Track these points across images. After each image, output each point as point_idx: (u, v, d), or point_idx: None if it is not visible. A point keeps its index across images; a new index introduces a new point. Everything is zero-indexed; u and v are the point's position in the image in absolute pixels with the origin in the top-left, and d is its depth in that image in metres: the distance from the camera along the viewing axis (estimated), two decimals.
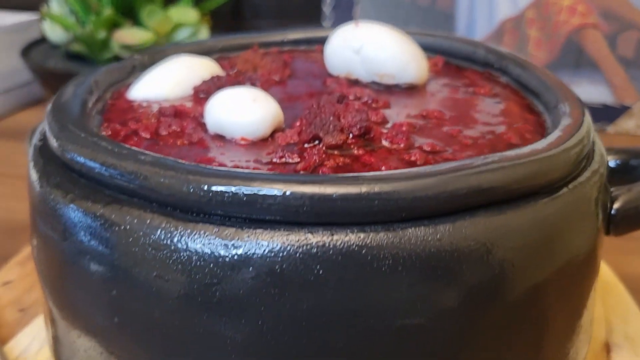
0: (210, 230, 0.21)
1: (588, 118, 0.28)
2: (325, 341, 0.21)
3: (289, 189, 0.20)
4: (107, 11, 0.62)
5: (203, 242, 0.20)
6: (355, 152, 0.25)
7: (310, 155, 0.24)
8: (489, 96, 0.32)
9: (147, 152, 0.23)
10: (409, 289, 0.20)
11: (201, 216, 0.21)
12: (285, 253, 0.20)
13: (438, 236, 0.20)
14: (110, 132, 0.28)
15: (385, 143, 0.26)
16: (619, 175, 0.30)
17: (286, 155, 0.25)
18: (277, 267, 0.20)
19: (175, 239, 0.21)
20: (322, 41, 0.36)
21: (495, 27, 0.67)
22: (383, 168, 0.24)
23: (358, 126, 0.26)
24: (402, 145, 0.26)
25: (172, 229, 0.21)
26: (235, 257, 0.20)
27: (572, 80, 0.66)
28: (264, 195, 0.20)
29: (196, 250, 0.21)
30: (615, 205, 0.27)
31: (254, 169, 0.24)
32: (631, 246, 0.41)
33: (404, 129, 0.27)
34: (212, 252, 0.20)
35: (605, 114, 0.65)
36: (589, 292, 0.27)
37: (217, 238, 0.20)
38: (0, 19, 0.72)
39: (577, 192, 0.24)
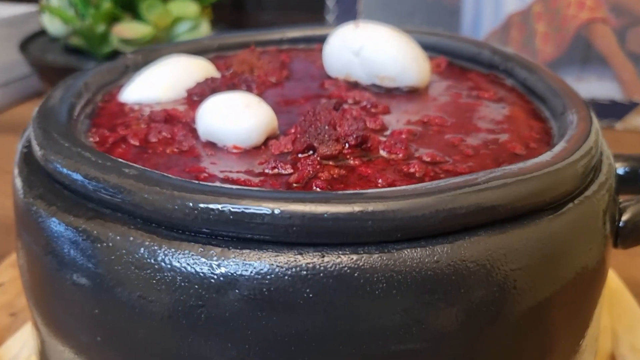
0: (195, 249, 0.20)
1: (596, 126, 0.26)
2: None
3: (278, 207, 0.19)
4: (107, 4, 0.61)
5: (188, 261, 0.19)
6: (352, 162, 0.24)
7: (303, 166, 0.23)
8: (493, 101, 0.31)
9: (132, 164, 0.22)
10: (405, 313, 0.19)
11: (186, 234, 0.20)
12: (273, 275, 0.19)
13: (435, 258, 0.19)
14: (98, 139, 0.27)
15: (383, 153, 0.25)
16: (628, 184, 0.29)
17: (279, 165, 0.24)
18: (264, 289, 0.19)
19: (159, 258, 0.20)
20: (322, 40, 0.35)
21: (502, 21, 0.66)
22: (380, 181, 0.23)
23: (354, 135, 0.25)
24: (400, 156, 0.25)
25: (155, 248, 0.20)
26: (221, 278, 0.19)
27: (580, 75, 0.65)
28: (252, 214, 0.19)
29: (180, 270, 0.20)
30: (624, 217, 0.26)
31: (244, 181, 0.23)
32: (638, 249, 0.40)
33: (403, 136, 0.26)
34: (197, 273, 0.19)
35: (613, 111, 0.64)
36: (595, 307, 0.26)
37: (202, 258, 0.19)
38: None
39: (584, 206, 0.23)
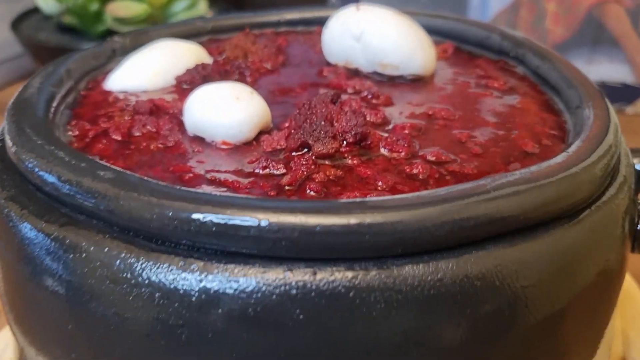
0: (175, 262, 0.18)
1: (615, 120, 0.24)
2: None
3: (266, 218, 0.17)
4: None
5: (167, 276, 0.18)
6: (350, 162, 0.22)
7: (297, 166, 0.22)
8: (503, 91, 0.29)
9: (108, 166, 0.20)
10: (404, 335, 0.17)
11: (166, 246, 0.18)
12: (260, 293, 0.17)
13: (439, 275, 0.17)
14: (77, 133, 0.25)
15: (383, 151, 0.23)
16: None
17: (270, 165, 0.22)
18: (250, 308, 0.17)
19: (136, 272, 0.18)
20: (322, 22, 0.33)
21: (511, 0, 0.63)
22: (380, 183, 0.21)
23: (353, 132, 0.23)
24: (402, 154, 0.23)
25: (132, 260, 0.18)
26: (204, 295, 0.17)
27: (591, 57, 0.63)
28: (237, 226, 0.17)
29: (159, 286, 0.18)
30: None
31: (232, 182, 0.21)
32: None
33: (406, 132, 0.24)
34: (177, 289, 0.18)
35: (624, 94, 0.62)
36: (610, 315, 0.24)
37: (183, 272, 0.18)
38: None
39: (602, 212, 0.21)
